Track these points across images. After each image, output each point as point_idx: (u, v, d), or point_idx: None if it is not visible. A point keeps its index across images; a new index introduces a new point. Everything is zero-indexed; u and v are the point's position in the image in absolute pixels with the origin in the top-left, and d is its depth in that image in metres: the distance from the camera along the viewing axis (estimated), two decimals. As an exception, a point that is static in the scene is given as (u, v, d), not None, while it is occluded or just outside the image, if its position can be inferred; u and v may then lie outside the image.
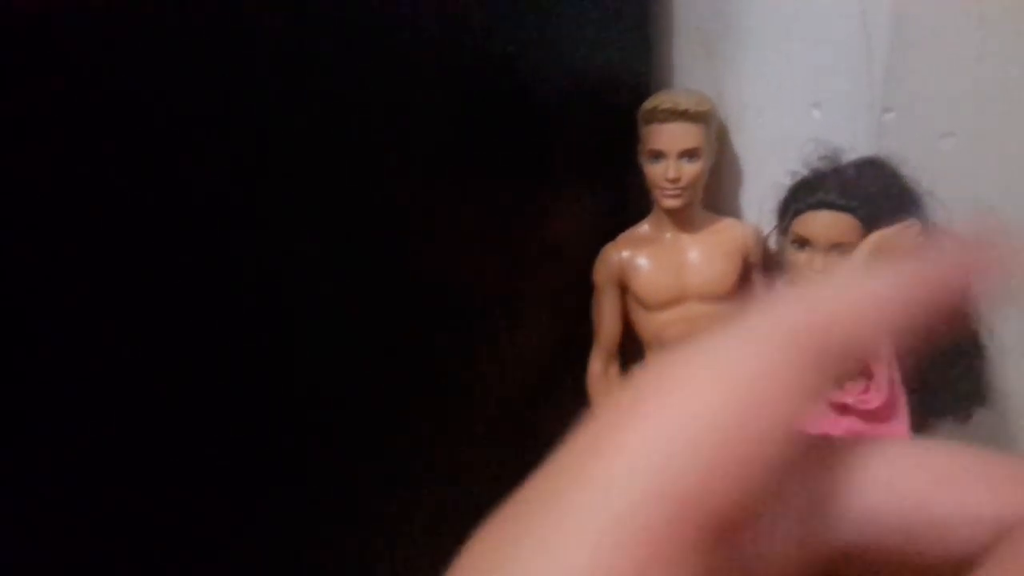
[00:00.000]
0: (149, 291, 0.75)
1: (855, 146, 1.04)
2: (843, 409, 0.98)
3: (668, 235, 1.16)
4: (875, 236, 0.94)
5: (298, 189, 0.88)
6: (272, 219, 0.87)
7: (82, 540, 0.74)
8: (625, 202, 1.20)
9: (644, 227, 1.18)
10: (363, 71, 0.90)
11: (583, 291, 1.21)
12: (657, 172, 1.10)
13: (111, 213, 0.72)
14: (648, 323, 1.17)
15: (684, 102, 1.07)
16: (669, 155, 1.08)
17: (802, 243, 0.99)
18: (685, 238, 1.15)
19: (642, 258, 1.16)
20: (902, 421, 0.98)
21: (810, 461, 0.16)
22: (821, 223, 0.98)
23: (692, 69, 1.20)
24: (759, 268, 1.17)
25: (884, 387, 0.95)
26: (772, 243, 1.15)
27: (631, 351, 1.23)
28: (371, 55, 0.90)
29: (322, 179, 0.90)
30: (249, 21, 0.79)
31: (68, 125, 0.68)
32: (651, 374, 0.15)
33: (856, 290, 0.16)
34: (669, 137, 1.08)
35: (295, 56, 0.84)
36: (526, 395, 1.21)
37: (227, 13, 0.76)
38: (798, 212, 1.00)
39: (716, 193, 1.19)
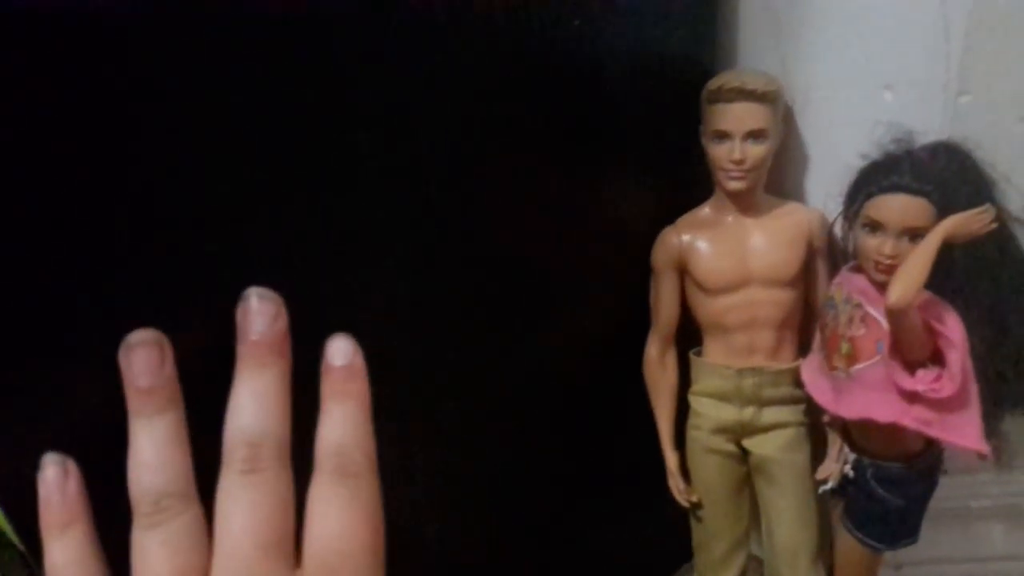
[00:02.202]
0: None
1: (927, 130, 1.01)
2: (913, 397, 0.96)
3: (730, 218, 1.13)
4: (948, 221, 0.92)
5: (358, 173, 0.88)
6: (337, 204, 0.87)
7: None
8: (685, 184, 1.18)
9: (705, 210, 1.16)
10: (427, 46, 0.89)
11: (640, 274, 1.20)
12: (721, 153, 1.08)
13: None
14: (708, 308, 1.15)
15: (752, 82, 1.05)
16: (735, 136, 1.06)
17: (874, 227, 0.97)
18: (748, 222, 1.13)
19: (703, 241, 1.14)
20: (974, 411, 0.96)
21: None
22: (895, 206, 0.95)
23: (758, 48, 1.17)
24: (824, 254, 1.14)
25: (958, 375, 0.92)
26: (837, 229, 1.12)
27: (688, 336, 1.21)
28: (435, 30, 0.89)
29: (380, 160, 0.89)
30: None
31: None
32: None
33: None
34: (735, 117, 1.06)
35: (354, 34, 0.83)
36: (581, 379, 1.20)
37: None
38: (870, 195, 0.97)
39: (780, 177, 1.17)
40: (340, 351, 0.31)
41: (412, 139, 0.91)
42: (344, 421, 0.30)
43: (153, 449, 0.29)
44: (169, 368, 0.29)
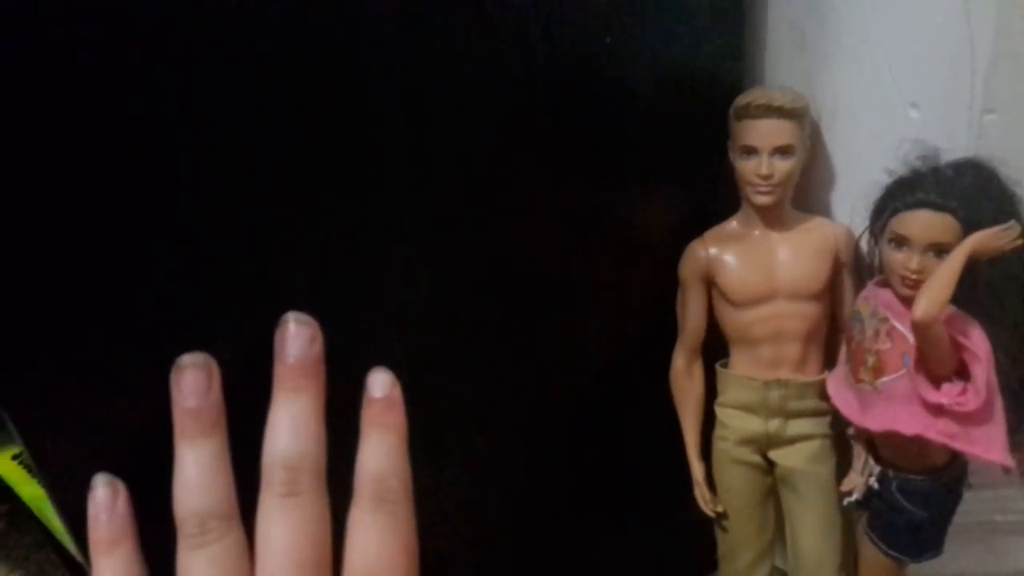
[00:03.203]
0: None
1: (953, 147, 1.02)
2: (938, 411, 0.97)
3: (757, 232, 1.15)
4: (973, 237, 0.93)
5: (389, 197, 0.91)
6: (370, 230, 0.90)
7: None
8: (713, 199, 1.20)
9: (732, 224, 1.18)
10: (458, 63, 0.92)
11: (668, 287, 1.22)
12: (749, 168, 1.10)
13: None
14: (734, 320, 1.17)
15: (779, 98, 1.07)
16: (762, 151, 1.08)
17: (900, 242, 0.98)
18: (775, 236, 1.15)
19: (730, 255, 1.16)
20: (998, 425, 0.97)
21: None
22: (920, 222, 0.96)
23: (785, 65, 1.20)
24: (850, 268, 1.16)
25: (983, 389, 0.93)
26: (863, 243, 1.14)
27: (714, 347, 1.23)
28: (467, 48, 0.92)
29: (409, 168, 0.92)
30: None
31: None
32: None
33: None
34: (763, 133, 1.08)
35: (385, 45, 0.86)
36: (606, 389, 1.22)
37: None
38: (896, 211, 0.99)
39: (806, 192, 1.19)
40: (379, 383, 0.33)
41: (441, 159, 0.94)
42: (382, 450, 0.32)
43: (198, 472, 0.30)
44: (216, 393, 0.31)
